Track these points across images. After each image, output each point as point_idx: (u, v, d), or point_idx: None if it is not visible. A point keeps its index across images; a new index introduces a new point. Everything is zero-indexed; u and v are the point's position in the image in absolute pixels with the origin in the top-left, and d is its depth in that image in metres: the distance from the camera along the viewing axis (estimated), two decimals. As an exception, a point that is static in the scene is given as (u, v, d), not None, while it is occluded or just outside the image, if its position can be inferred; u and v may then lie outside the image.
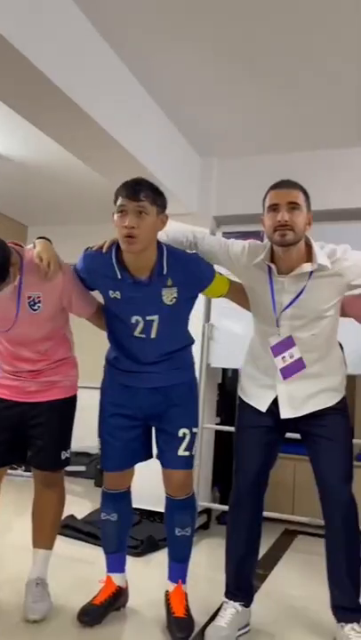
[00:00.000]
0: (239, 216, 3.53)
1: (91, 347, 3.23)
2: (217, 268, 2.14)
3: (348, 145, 3.32)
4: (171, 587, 2.15)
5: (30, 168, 4.09)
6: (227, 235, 3.58)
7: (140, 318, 2.02)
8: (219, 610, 2.09)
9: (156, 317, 2.01)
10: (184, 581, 2.15)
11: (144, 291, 1.98)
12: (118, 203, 1.91)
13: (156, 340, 2.05)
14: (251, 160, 3.58)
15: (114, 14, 2.35)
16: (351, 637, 1.92)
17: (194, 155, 3.63)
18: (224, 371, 3.90)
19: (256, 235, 3.48)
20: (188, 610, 2.09)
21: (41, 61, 2.10)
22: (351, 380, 2.93)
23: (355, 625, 1.95)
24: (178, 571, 2.15)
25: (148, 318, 2.01)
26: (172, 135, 3.34)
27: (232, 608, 2.05)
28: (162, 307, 2.00)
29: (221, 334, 3.47)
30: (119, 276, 1.98)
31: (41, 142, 3.39)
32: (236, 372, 4.05)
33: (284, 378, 2.01)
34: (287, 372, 2.01)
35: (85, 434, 3.30)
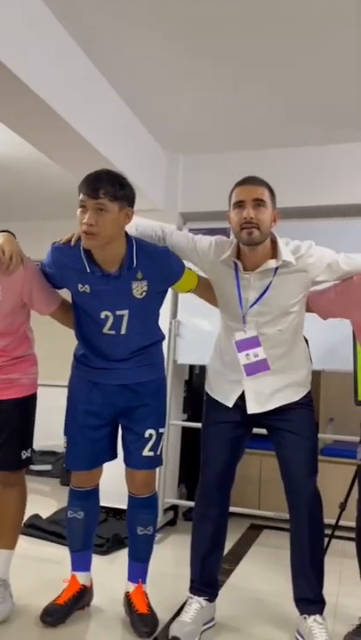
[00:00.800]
0: (206, 213, 3.52)
1: (56, 345, 3.19)
2: (186, 263, 2.13)
3: (314, 143, 3.35)
4: (131, 587, 2.13)
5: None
6: (193, 231, 3.56)
7: (109, 313, 1.99)
8: (184, 605, 2.09)
9: (126, 312, 1.99)
10: (144, 581, 2.14)
11: (113, 284, 1.96)
12: (80, 198, 1.89)
13: (125, 336, 2.02)
14: (217, 157, 3.59)
15: (77, 6, 2.31)
16: (313, 629, 1.94)
17: (160, 151, 3.61)
18: (191, 367, 3.90)
19: (223, 231, 3.47)
20: (150, 607, 2.09)
21: None
22: (316, 374, 2.97)
23: (317, 617, 1.98)
24: (138, 570, 2.14)
25: (117, 313, 1.99)
26: (138, 130, 3.31)
27: (197, 603, 2.05)
28: (132, 300, 1.98)
29: (188, 331, 3.47)
30: (88, 270, 1.96)
31: (1, 135, 3.32)
32: (203, 368, 4.06)
33: (247, 375, 2.02)
34: (250, 370, 2.02)
35: (51, 433, 3.26)
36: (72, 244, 1.98)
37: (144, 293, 1.99)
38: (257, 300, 1.99)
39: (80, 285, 1.98)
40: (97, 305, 2.00)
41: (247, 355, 2.01)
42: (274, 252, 1.98)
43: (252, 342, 2.01)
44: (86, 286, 1.97)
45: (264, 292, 1.98)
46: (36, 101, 2.31)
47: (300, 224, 3.23)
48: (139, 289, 1.98)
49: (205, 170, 3.60)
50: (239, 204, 1.93)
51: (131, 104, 3.10)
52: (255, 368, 2.01)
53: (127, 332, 2.02)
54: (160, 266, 2.01)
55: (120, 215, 1.90)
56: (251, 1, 2.23)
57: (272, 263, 1.96)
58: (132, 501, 2.15)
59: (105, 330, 2.01)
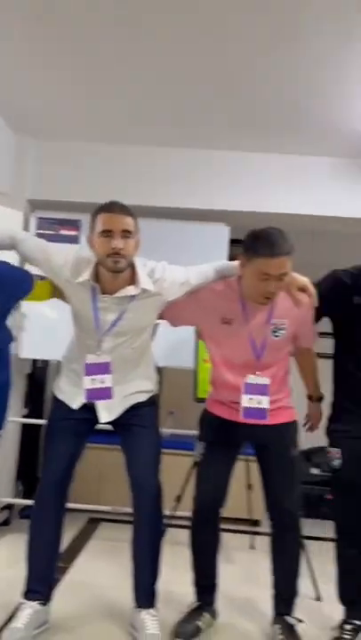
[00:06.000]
0: (57, 202, 3.43)
1: None
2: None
3: (170, 144, 3.40)
4: None
5: None
6: (43, 220, 3.45)
7: None
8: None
9: None
10: None
11: None
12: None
13: None
14: (72, 146, 3.48)
15: None
16: (146, 622, 2.00)
17: (7, 131, 3.39)
18: (34, 361, 3.76)
19: (73, 223, 3.43)
20: None
21: None
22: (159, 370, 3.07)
23: (151, 610, 2.04)
24: None
25: None
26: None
27: (29, 608, 1.99)
28: None
29: (32, 324, 3.33)
30: None
31: None
32: (46, 362, 3.94)
33: (87, 399, 2.01)
34: (91, 395, 2.00)
35: None
36: None
37: None
38: (115, 323, 2.00)
39: None
40: None
41: (93, 379, 1.99)
42: (132, 277, 1.99)
43: (103, 368, 2.00)
44: None
45: (122, 315, 1.99)
46: None
47: (155, 223, 3.25)
48: None
49: (59, 158, 3.50)
50: (106, 234, 1.90)
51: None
52: (97, 394, 2.00)
53: None
54: (5, 285, 1.93)
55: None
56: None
57: (131, 290, 1.97)
58: None
59: None
